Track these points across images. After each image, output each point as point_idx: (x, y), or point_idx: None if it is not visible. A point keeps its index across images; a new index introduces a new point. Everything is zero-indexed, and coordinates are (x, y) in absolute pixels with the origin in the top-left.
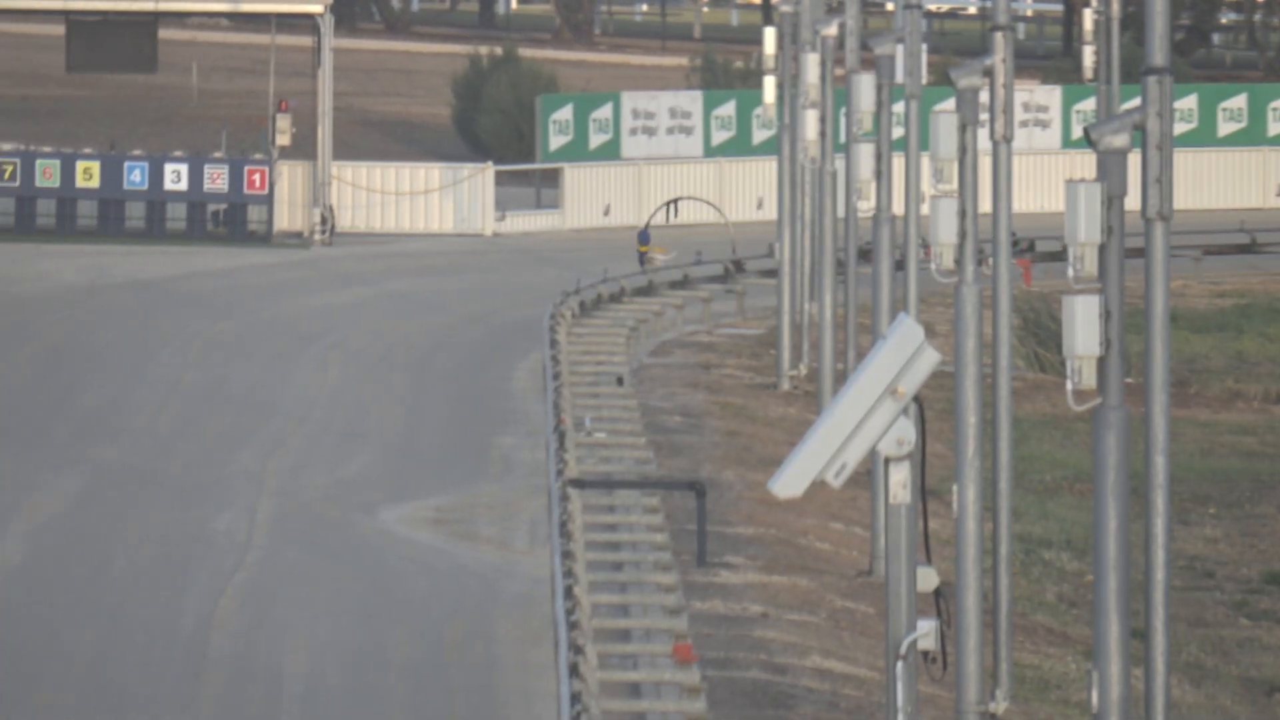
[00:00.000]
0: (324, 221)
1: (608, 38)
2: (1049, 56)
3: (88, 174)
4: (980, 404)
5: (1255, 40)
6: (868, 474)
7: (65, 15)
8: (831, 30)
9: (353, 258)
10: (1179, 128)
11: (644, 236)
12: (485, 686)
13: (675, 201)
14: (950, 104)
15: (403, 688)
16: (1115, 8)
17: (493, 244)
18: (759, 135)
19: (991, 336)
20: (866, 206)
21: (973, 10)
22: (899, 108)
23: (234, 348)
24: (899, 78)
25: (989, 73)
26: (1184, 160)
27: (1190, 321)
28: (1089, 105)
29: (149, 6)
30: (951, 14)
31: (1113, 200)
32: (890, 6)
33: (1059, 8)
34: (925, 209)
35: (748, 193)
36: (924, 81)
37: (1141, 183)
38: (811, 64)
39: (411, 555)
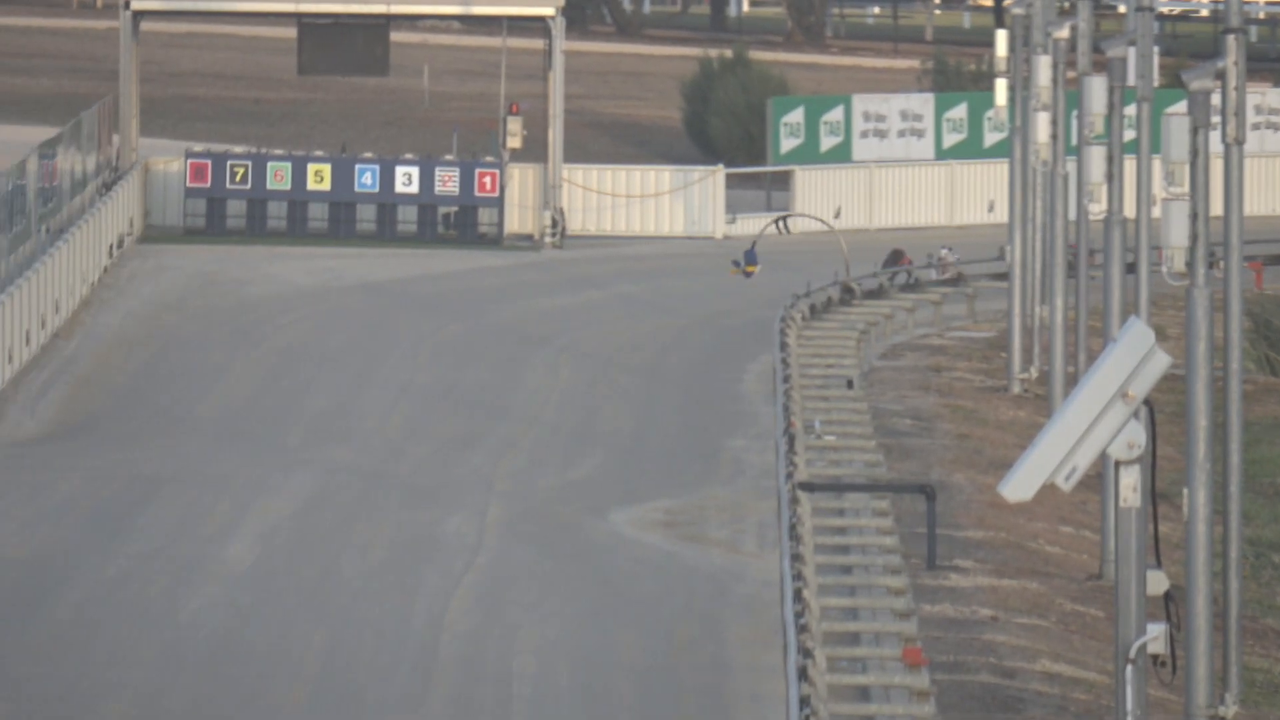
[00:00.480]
0: (554, 224)
1: (839, 40)
2: None
3: (319, 176)
4: (1211, 407)
5: None
6: (1098, 477)
7: (298, 18)
8: (1063, 33)
9: (583, 260)
10: None
11: (751, 256)
12: (714, 688)
13: (785, 218)
14: (1182, 106)
15: (632, 689)
16: None
17: (723, 247)
18: (990, 138)
19: (1223, 339)
20: (1098, 209)
21: (1205, 13)
22: (1130, 110)
23: (464, 350)
24: (1131, 80)
25: (1221, 75)
26: None
27: None
28: None
29: (381, 9)
30: (1183, 16)
31: None
32: (1122, 9)
33: None
34: (1157, 212)
35: (979, 195)
36: (1155, 84)
37: None
38: (1043, 66)
39: (641, 557)
